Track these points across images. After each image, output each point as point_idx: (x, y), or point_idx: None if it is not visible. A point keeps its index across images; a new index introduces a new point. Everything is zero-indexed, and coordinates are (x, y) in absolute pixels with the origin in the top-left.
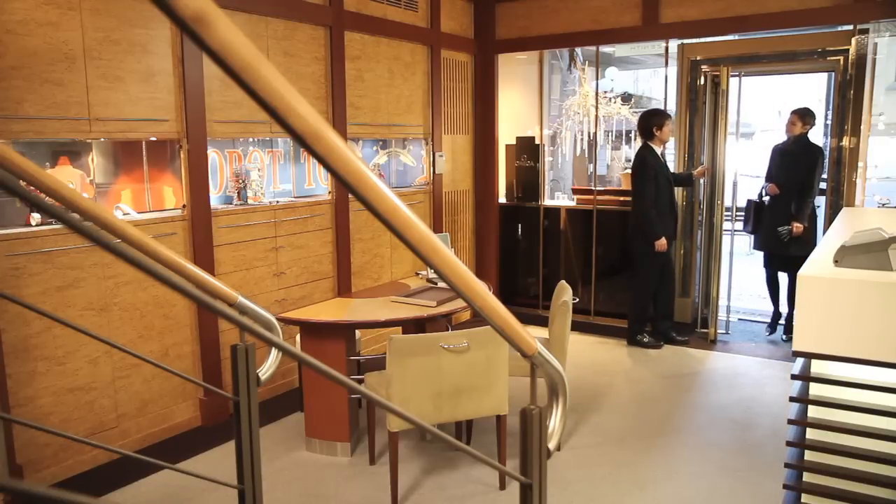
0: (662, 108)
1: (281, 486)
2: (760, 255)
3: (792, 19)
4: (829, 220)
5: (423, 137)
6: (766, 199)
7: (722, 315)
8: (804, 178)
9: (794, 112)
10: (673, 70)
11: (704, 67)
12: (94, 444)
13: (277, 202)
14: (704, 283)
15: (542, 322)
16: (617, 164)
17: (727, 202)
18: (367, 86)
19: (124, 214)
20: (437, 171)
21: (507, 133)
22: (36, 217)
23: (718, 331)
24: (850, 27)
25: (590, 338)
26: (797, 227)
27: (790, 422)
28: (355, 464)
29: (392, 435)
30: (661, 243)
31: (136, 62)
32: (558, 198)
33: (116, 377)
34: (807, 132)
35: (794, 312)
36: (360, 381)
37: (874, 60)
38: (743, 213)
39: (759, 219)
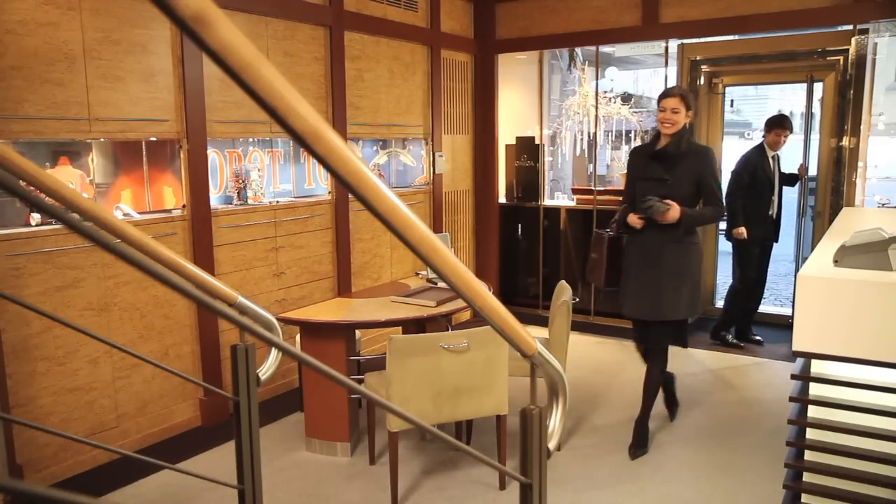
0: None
1: (281, 486)
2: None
3: (792, 20)
4: (830, 220)
5: (423, 137)
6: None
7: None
8: None
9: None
10: (673, 70)
11: (704, 67)
12: (94, 444)
13: (277, 202)
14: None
15: (542, 322)
16: (617, 164)
17: None
18: (367, 86)
19: (124, 214)
20: (437, 171)
21: (507, 133)
22: (36, 217)
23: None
24: (850, 27)
25: (590, 338)
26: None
27: (790, 422)
28: (355, 464)
29: (392, 435)
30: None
31: (136, 62)
32: (558, 198)
33: (116, 377)
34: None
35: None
36: (360, 381)
37: (874, 60)
38: None
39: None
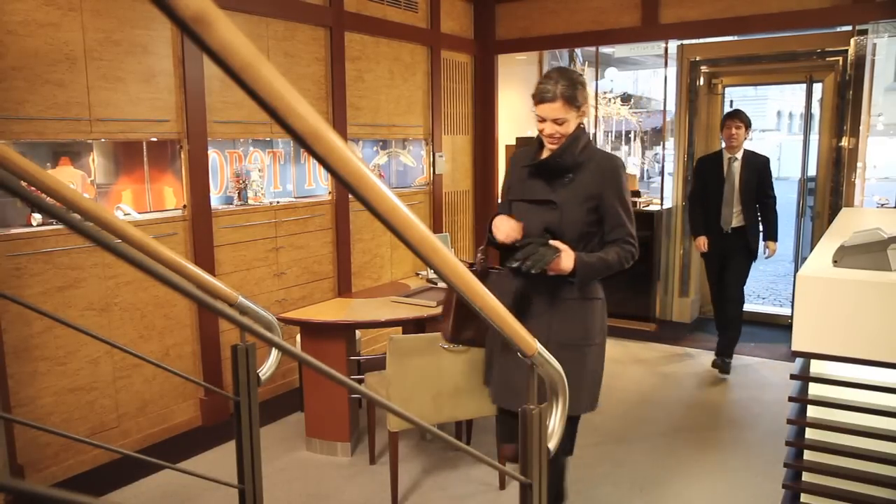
0: (663, 108)
1: (281, 486)
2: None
3: (791, 20)
4: (829, 220)
5: (423, 138)
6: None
7: None
8: None
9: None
10: (672, 71)
11: (704, 68)
12: (94, 444)
13: (278, 202)
14: None
15: None
16: None
17: None
18: (367, 86)
19: (125, 215)
20: (437, 172)
21: (506, 133)
22: (37, 217)
23: None
24: (850, 28)
25: None
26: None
27: (789, 421)
28: (355, 464)
29: (392, 435)
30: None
31: (136, 63)
32: None
33: (117, 377)
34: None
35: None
36: (360, 381)
37: (873, 61)
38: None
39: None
